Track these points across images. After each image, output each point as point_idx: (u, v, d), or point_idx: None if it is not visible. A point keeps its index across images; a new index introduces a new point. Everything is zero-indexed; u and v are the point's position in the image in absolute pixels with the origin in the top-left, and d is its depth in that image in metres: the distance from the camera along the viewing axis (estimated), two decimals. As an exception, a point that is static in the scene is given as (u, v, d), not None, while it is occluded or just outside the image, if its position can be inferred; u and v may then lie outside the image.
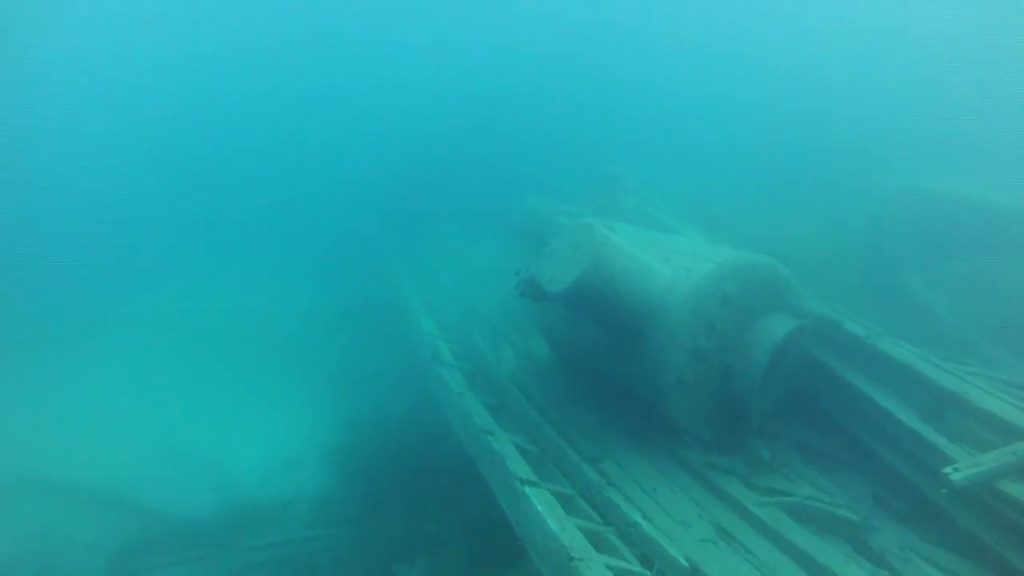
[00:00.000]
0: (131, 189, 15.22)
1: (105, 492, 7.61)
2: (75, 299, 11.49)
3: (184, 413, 8.97)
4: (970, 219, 9.10)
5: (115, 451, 8.10)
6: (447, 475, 7.07)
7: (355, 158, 16.84)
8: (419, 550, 6.58)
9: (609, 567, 4.48)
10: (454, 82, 18.23)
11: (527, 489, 5.12)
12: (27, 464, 7.93)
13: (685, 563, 4.71)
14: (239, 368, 10.05)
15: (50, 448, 8.11)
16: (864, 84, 13.89)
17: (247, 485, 7.93)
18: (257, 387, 9.67)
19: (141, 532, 7.22)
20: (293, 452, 8.52)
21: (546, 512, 4.92)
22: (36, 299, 11.35)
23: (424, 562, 6.45)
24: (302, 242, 14.16)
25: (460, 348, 8.53)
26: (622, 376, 6.49)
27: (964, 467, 4.82)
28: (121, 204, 14.53)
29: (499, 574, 5.76)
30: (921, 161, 10.86)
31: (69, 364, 9.73)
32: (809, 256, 9.37)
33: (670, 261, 6.30)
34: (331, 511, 7.62)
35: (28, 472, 7.86)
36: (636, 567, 4.68)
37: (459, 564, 6.28)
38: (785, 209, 10.77)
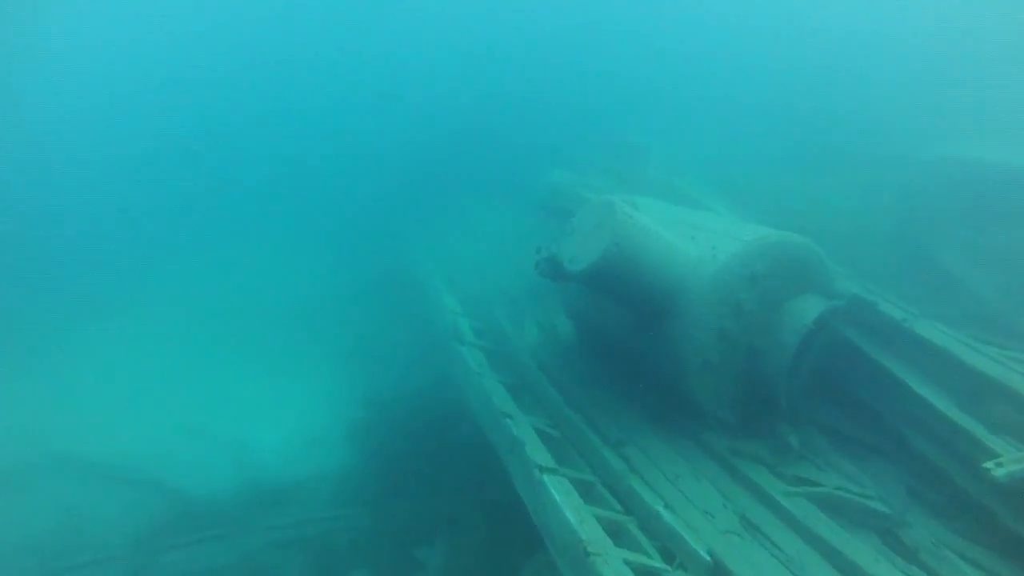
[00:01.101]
0: (147, 157, 15.18)
1: (127, 470, 7.60)
2: (93, 276, 11.48)
3: (204, 390, 8.95)
4: (1011, 188, 8.66)
5: (136, 429, 8.08)
6: (467, 455, 6.96)
7: (371, 128, 16.59)
8: (438, 533, 6.52)
9: (627, 562, 4.34)
10: (470, 49, 17.79)
11: (546, 477, 4.98)
12: (50, 442, 7.97)
13: (707, 557, 4.55)
14: (258, 344, 9.98)
15: (73, 426, 8.14)
16: (899, 45, 13.26)
17: (267, 463, 7.90)
18: (277, 363, 9.61)
19: (162, 511, 7.23)
20: (313, 429, 8.46)
21: (564, 502, 4.78)
22: (57, 276, 11.36)
23: (443, 545, 6.38)
24: (320, 214, 14.03)
25: (481, 325, 8.37)
26: (646, 357, 6.30)
27: (1008, 462, 4.58)
28: (137, 175, 14.51)
29: (518, 560, 5.67)
30: (959, 126, 10.36)
31: (91, 342, 9.75)
32: (841, 228, 9.03)
33: (696, 239, 6.06)
34: (350, 490, 7.57)
35: (52, 450, 7.90)
36: (656, 562, 4.53)
37: (478, 548, 6.22)
38: (816, 178, 10.38)
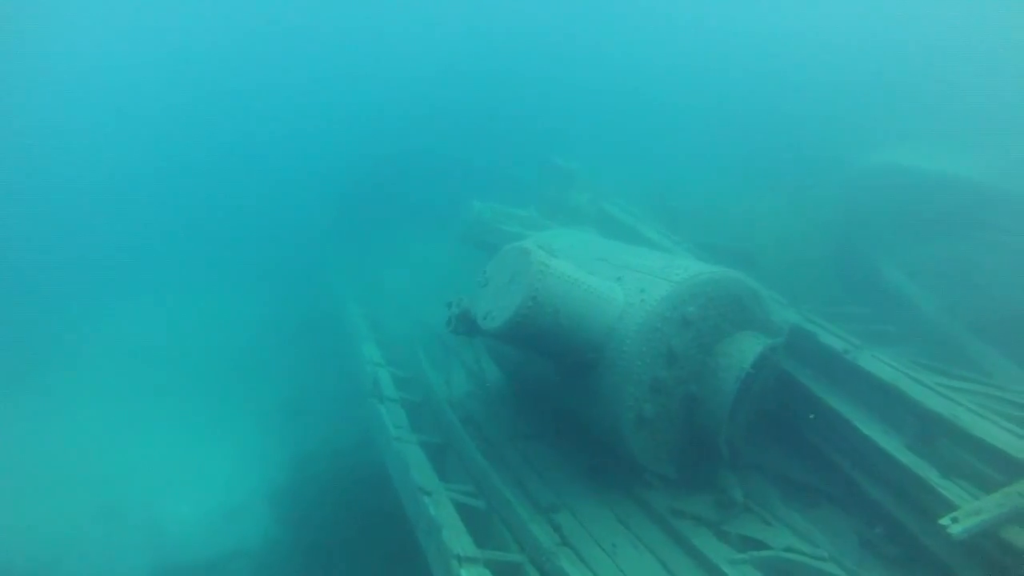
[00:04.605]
0: (59, 199, 14.27)
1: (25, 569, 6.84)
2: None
3: (115, 459, 8.18)
4: (950, 199, 8.46)
5: (40, 514, 7.31)
6: (395, 524, 6.37)
7: (297, 155, 15.91)
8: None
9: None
10: (401, 72, 17.26)
11: (463, 571, 4.43)
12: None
13: (648, 650, 4.07)
14: (174, 401, 9.23)
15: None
16: (832, 52, 13.15)
17: (185, 541, 7.19)
18: (195, 422, 8.88)
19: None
20: (234, 497, 7.79)
21: (484, 599, 4.26)
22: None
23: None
24: (242, 252, 13.26)
25: (405, 374, 7.82)
26: (577, 412, 5.82)
27: (964, 516, 4.20)
28: (46, 218, 13.61)
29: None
30: (895, 135, 10.18)
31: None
32: (777, 245, 8.73)
33: (623, 280, 5.60)
34: (274, 566, 6.93)
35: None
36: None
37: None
38: (749, 193, 10.08)
